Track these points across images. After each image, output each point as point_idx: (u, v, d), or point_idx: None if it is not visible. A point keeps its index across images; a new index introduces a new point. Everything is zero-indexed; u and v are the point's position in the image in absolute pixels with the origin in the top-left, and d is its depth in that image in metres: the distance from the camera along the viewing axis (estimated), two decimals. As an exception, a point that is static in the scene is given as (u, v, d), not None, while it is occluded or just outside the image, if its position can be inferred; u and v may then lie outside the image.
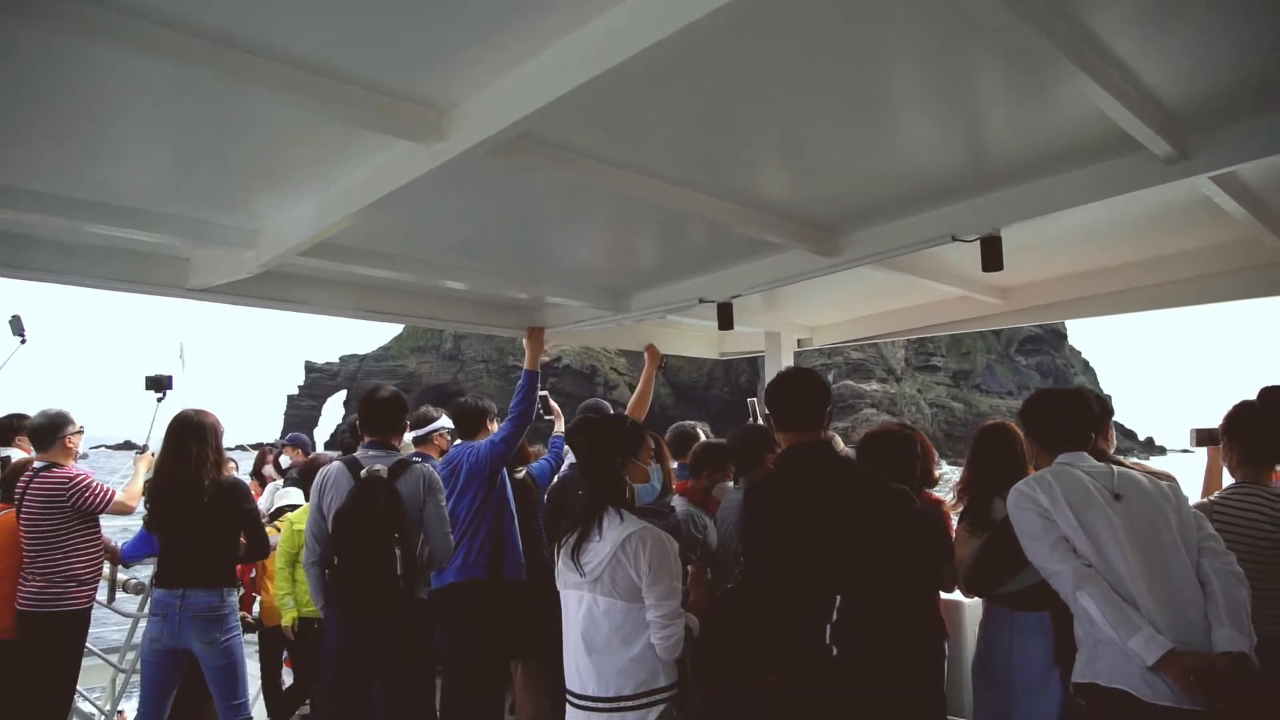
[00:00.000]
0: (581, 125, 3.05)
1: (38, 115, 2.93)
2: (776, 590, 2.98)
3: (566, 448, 5.14)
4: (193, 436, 4.33)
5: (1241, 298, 4.80)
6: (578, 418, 4.57)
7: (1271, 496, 3.23)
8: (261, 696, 5.92)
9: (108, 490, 4.81)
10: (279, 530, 5.78)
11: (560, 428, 5.63)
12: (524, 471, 5.22)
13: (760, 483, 3.26)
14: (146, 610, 5.03)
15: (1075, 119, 3.02)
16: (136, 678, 4.95)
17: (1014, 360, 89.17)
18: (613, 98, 2.77)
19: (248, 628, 5.74)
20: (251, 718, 4.59)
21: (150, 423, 5.42)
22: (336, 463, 4.26)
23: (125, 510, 4.92)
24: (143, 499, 4.64)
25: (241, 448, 9.00)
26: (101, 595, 5.17)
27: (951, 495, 3.92)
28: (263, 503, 6.25)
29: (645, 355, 6.56)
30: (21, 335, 5.87)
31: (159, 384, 5.53)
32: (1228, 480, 3.46)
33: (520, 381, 5.25)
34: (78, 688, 4.95)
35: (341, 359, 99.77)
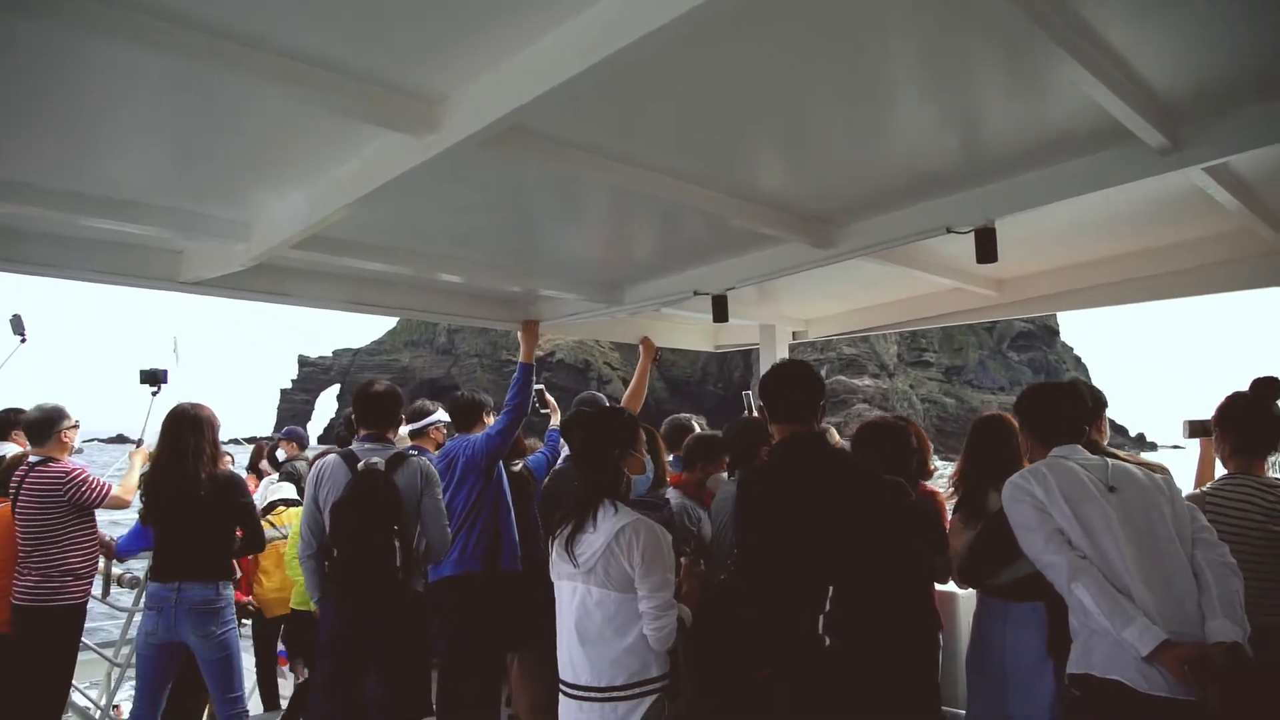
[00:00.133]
0: (574, 117, 3.04)
1: (36, 109, 2.92)
2: (770, 581, 2.99)
3: (562, 440, 5.14)
4: (189, 430, 4.33)
5: (1236, 289, 4.83)
6: (572, 410, 4.57)
7: (1263, 487, 3.24)
8: (257, 690, 5.94)
9: (104, 485, 4.80)
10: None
11: (556, 421, 5.63)
12: (520, 464, 5.22)
13: (754, 474, 3.26)
14: (141, 604, 5.03)
15: (1069, 110, 3.02)
16: (132, 672, 4.95)
17: (1006, 356, 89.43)
18: (606, 89, 2.76)
19: (245, 613, 5.74)
20: (248, 710, 4.59)
21: (145, 417, 5.42)
22: (333, 455, 4.27)
23: (121, 504, 4.92)
24: (138, 493, 4.64)
25: (235, 441, 8.97)
26: (96, 590, 5.16)
27: (948, 487, 3.93)
28: (255, 497, 6.25)
29: (640, 348, 6.56)
30: (22, 334, 5.86)
31: (154, 378, 5.52)
32: (1220, 471, 3.47)
33: (515, 374, 5.25)
34: (73, 682, 4.95)
35: (335, 353, 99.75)
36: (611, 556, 2.88)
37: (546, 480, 5.10)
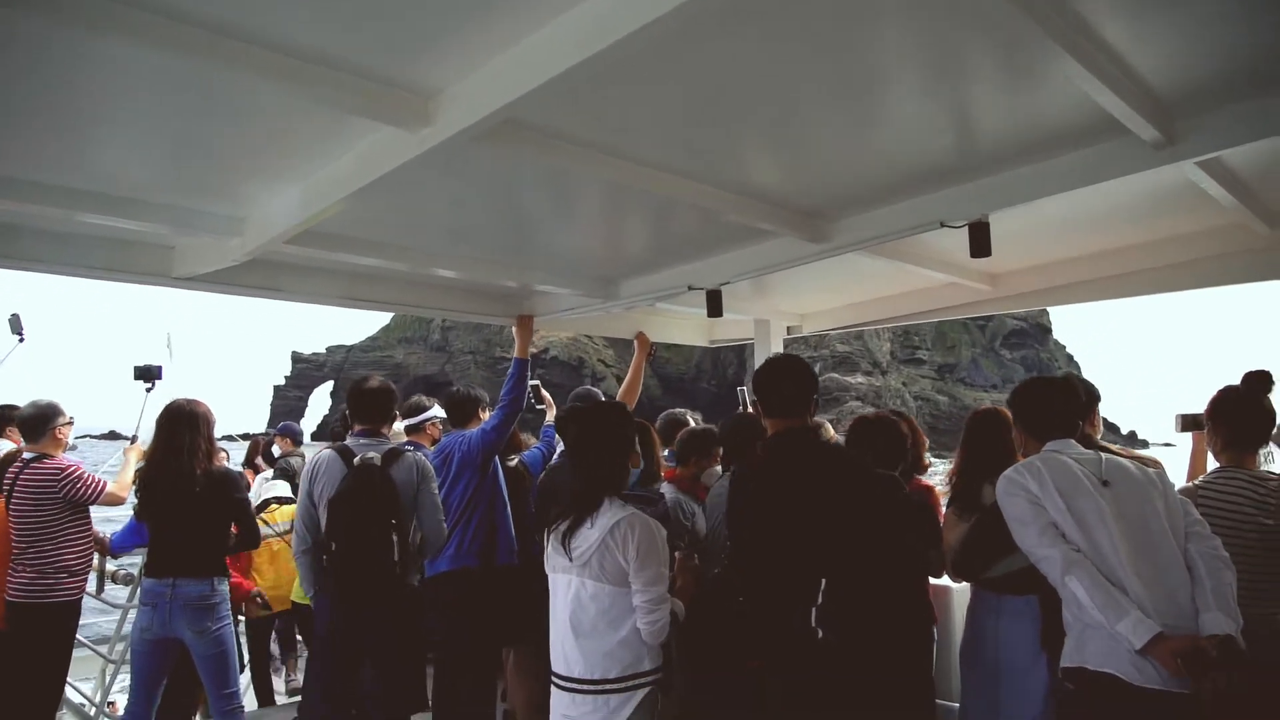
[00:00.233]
0: (569, 111, 3.04)
1: (35, 106, 2.92)
2: (762, 575, 2.99)
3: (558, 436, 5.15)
4: (185, 426, 4.32)
5: (1230, 283, 4.83)
6: (567, 405, 4.58)
7: (1255, 480, 3.25)
8: (252, 686, 5.94)
9: (99, 481, 4.79)
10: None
11: (552, 417, 5.63)
12: (516, 459, 5.23)
13: (747, 469, 3.27)
14: (136, 600, 5.02)
15: (1063, 104, 3.02)
16: (126, 668, 4.94)
17: (999, 354, 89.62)
18: (600, 83, 2.76)
19: (255, 605, 5.75)
20: (243, 705, 4.59)
21: (139, 413, 5.40)
22: (328, 450, 4.26)
23: (116, 501, 4.91)
24: (133, 489, 4.63)
25: (229, 438, 8.95)
26: (91, 586, 5.15)
27: (943, 483, 3.94)
28: (250, 494, 6.25)
29: (635, 343, 6.56)
30: (20, 334, 5.84)
31: (148, 374, 5.50)
32: (1212, 465, 3.48)
33: (510, 370, 5.24)
34: (68, 678, 4.94)
35: (328, 349, 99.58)
36: (606, 550, 2.89)
37: (542, 475, 5.11)
